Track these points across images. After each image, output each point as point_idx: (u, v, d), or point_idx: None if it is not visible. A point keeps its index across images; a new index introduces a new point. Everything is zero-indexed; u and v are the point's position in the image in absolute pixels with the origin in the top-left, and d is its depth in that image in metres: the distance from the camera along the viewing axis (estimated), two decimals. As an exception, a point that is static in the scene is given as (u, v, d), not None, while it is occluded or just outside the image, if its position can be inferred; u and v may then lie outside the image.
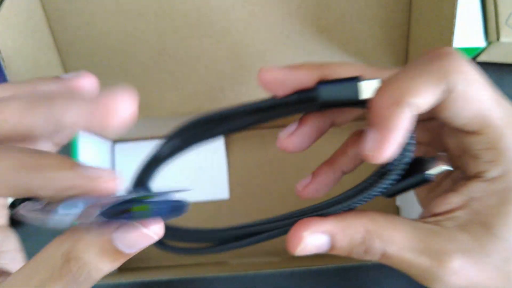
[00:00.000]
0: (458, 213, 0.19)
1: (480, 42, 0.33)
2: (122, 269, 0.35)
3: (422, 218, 0.19)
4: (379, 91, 0.17)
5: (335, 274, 0.34)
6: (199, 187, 0.36)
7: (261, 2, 0.25)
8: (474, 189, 0.19)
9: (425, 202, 0.22)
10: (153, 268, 0.34)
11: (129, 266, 0.35)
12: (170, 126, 0.32)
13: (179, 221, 0.38)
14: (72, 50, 0.28)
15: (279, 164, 0.36)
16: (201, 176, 0.36)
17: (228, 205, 0.35)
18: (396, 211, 0.34)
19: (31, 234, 0.36)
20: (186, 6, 0.26)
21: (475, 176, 0.19)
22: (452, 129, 0.18)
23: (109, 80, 0.28)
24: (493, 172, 0.18)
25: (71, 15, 0.27)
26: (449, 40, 0.22)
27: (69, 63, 0.28)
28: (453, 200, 0.19)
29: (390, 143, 0.16)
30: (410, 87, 0.16)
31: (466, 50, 0.34)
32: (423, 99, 0.16)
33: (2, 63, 0.23)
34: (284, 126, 0.38)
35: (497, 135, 0.18)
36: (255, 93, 0.28)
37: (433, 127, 0.20)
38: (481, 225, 0.18)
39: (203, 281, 0.34)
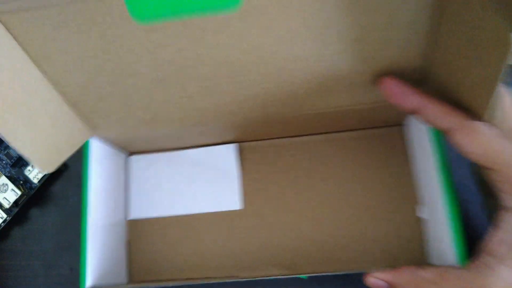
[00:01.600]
0: (500, 249, 0.22)
1: None
2: (133, 281, 0.35)
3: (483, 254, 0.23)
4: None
5: (340, 280, 0.33)
6: (211, 197, 0.35)
7: (261, 6, 0.25)
8: (506, 220, 0.22)
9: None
10: (162, 281, 0.34)
11: (139, 278, 0.35)
12: (182, 136, 0.33)
13: (191, 230, 0.37)
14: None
15: (293, 174, 0.35)
16: (212, 186, 0.36)
17: (241, 215, 0.35)
18: (419, 222, 0.33)
19: (31, 233, 0.36)
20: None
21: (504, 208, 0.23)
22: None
23: (117, 95, 0.29)
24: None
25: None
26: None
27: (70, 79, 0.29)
28: (494, 236, 0.22)
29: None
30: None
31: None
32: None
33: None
34: (294, 136, 0.38)
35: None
36: (255, 94, 0.28)
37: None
38: None
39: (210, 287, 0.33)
